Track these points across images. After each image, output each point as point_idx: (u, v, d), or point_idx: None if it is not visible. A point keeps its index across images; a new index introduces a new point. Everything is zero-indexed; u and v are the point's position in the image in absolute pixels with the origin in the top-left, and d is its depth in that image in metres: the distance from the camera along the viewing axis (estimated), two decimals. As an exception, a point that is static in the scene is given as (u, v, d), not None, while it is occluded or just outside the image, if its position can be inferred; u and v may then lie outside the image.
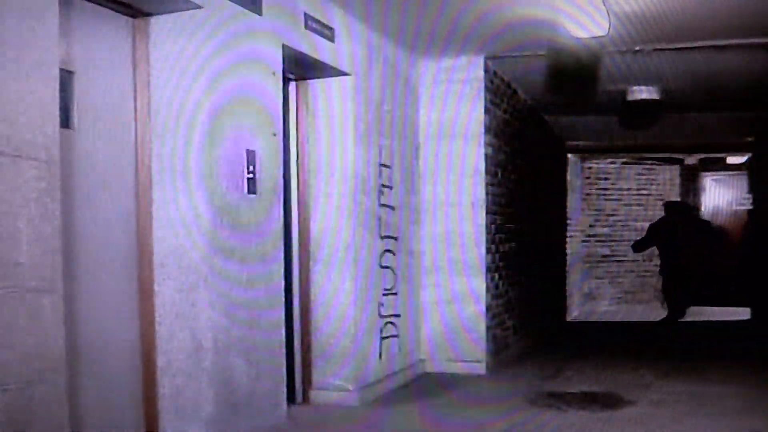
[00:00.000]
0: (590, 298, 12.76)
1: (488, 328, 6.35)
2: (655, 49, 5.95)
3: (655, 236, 10.69)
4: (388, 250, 5.72)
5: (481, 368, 6.25)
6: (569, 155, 11.36)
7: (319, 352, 5.18)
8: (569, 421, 4.74)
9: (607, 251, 12.94)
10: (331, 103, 5.17)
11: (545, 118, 9.10)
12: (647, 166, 13.16)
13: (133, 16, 3.69)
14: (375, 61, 5.51)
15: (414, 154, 6.30)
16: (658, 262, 12.07)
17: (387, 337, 5.68)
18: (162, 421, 3.72)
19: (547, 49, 5.98)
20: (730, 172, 13.15)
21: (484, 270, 6.29)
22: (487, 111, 6.37)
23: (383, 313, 5.63)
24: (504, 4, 4.93)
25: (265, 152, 4.19)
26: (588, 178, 12.88)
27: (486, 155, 6.33)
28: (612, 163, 12.94)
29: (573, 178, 11.84)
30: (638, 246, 10.97)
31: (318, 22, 4.73)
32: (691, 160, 13.21)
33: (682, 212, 10.92)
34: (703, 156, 13.01)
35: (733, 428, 4.53)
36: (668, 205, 11.11)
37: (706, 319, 11.06)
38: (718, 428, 4.53)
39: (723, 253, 11.42)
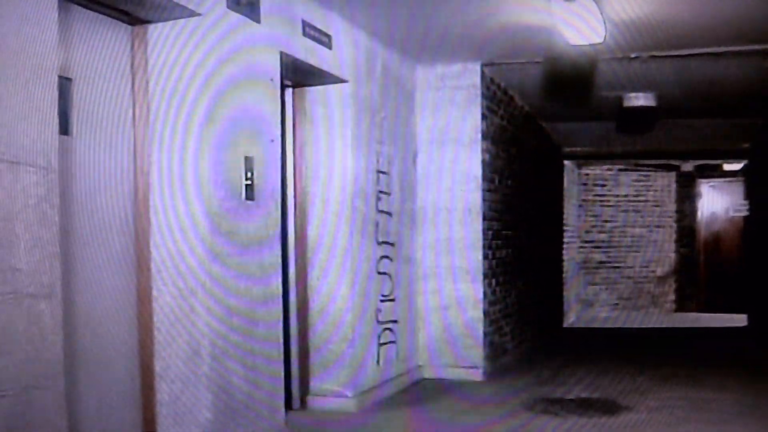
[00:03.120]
0: (587, 304, 12.77)
1: (486, 334, 6.36)
2: (652, 56, 5.98)
3: None
4: (386, 256, 5.73)
5: (478, 374, 6.26)
6: (566, 162, 11.38)
7: (316, 358, 5.18)
8: (566, 427, 4.74)
9: (603, 257, 12.96)
10: (329, 109, 5.18)
11: (542, 125, 9.12)
12: (644, 173, 13.20)
13: (131, 23, 3.70)
14: (372, 67, 5.53)
15: (411, 161, 6.31)
16: (656, 268, 12.12)
17: (385, 343, 5.68)
18: (159, 426, 3.72)
19: (544, 56, 6.01)
20: (727, 179, 13.18)
21: (481, 276, 6.29)
22: (483, 117, 6.39)
23: (381, 319, 5.63)
24: (501, 11, 4.95)
25: (263, 159, 4.20)
26: (585, 184, 12.91)
27: (483, 161, 6.34)
28: (609, 169, 12.97)
29: (570, 184, 11.86)
30: None
31: (316, 29, 4.75)
32: (687, 166, 13.24)
33: None
34: (699, 162, 13.05)
35: (730, 434, 4.54)
36: None
37: (703, 325, 11.07)
38: (715, 434, 4.55)
39: None
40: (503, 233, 6.98)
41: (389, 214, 5.81)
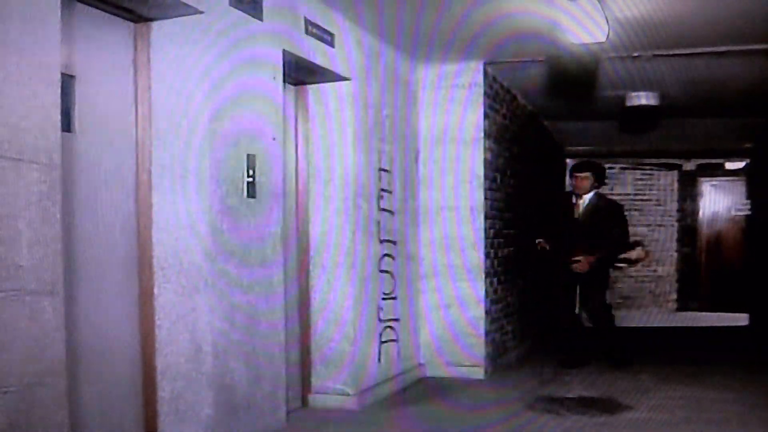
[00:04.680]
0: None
1: (487, 332, 6.36)
2: (654, 55, 5.97)
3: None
4: (388, 255, 5.73)
5: (479, 373, 6.26)
6: (568, 160, 11.37)
7: (318, 356, 5.19)
8: (567, 425, 4.74)
9: (605, 256, 12.94)
10: (331, 107, 5.18)
11: (544, 124, 9.11)
12: (646, 172, 13.18)
13: (134, 21, 3.70)
14: (375, 66, 5.53)
15: (413, 159, 6.31)
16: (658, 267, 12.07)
17: (386, 342, 5.68)
18: (161, 424, 3.72)
19: (547, 55, 6.00)
20: (729, 178, 13.18)
21: (483, 274, 6.29)
22: (486, 116, 6.39)
23: (382, 317, 5.63)
24: (504, 10, 4.94)
25: (265, 156, 4.20)
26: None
27: (485, 160, 6.34)
28: (610, 168, 12.95)
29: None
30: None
31: (318, 27, 4.75)
32: (689, 165, 13.23)
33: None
34: (701, 161, 13.04)
35: (732, 433, 4.54)
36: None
37: (704, 324, 11.07)
38: (717, 433, 4.55)
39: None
40: (505, 232, 6.98)
41: (391, 212, 5.81)
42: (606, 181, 7.49)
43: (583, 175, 6.88)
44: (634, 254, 7.54)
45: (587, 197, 6.88)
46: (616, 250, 6.92)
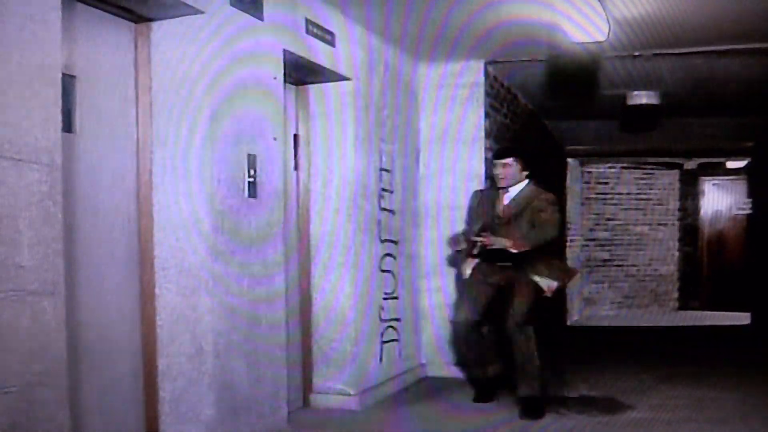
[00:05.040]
0: (590, 303, 12.76)
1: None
2: (655, 54, 5.97)
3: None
4: (389, 254, 5.73)
5: (481, 372, 6.25)
6: (569, 160, 11.37)
7: (319, 356, 5.19)
8: (568, 425, 4.74)
9: (606, 255, 12.96)
10: (332, 107, 5.18)
11: (545, 123, 9.11)
12: (647, 171, 13.19)
13: (135, 21, 3.70)
14: (375, 65, 5.53)
15: (414, 158, 6.31)
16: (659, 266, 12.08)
17: (388, 341, 5.68)
18: (162, 424, 3.72)
19: (547, 54, 6.00)
20: (730, 177, 13.17)
21: (484, 274, 6.28)
22: (487, 115, 6.39)
23: (384, 317, 5.63)
24: (505, 9, 4.94)
25: (266, 156, 4.20)
26: (588, 182, 12.90)
27: (486, 159, 6.34)
28: (611, 167, 12.97)
29: (573, 182, 11.85)
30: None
31: (319, 27, 4.75)
32: (690, 164, 13.23)
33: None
34: (702, 160, 13.04)
35: (733, 432, 4.54)
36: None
37: (706, 323, 11.07)
38: (718, 432, 4.54)
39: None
40: (506, 231, 6.96)
41: (392, 211, 5.81)
42: (535, 171, 5.32)
43: (504, 161, 5.21)
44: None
45: (515, 189, 5.20)
46: (540, 239, 5.13)
